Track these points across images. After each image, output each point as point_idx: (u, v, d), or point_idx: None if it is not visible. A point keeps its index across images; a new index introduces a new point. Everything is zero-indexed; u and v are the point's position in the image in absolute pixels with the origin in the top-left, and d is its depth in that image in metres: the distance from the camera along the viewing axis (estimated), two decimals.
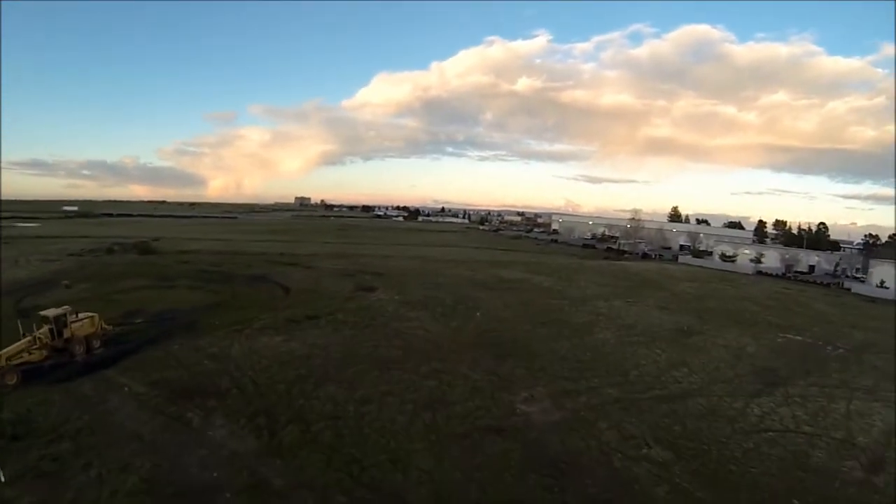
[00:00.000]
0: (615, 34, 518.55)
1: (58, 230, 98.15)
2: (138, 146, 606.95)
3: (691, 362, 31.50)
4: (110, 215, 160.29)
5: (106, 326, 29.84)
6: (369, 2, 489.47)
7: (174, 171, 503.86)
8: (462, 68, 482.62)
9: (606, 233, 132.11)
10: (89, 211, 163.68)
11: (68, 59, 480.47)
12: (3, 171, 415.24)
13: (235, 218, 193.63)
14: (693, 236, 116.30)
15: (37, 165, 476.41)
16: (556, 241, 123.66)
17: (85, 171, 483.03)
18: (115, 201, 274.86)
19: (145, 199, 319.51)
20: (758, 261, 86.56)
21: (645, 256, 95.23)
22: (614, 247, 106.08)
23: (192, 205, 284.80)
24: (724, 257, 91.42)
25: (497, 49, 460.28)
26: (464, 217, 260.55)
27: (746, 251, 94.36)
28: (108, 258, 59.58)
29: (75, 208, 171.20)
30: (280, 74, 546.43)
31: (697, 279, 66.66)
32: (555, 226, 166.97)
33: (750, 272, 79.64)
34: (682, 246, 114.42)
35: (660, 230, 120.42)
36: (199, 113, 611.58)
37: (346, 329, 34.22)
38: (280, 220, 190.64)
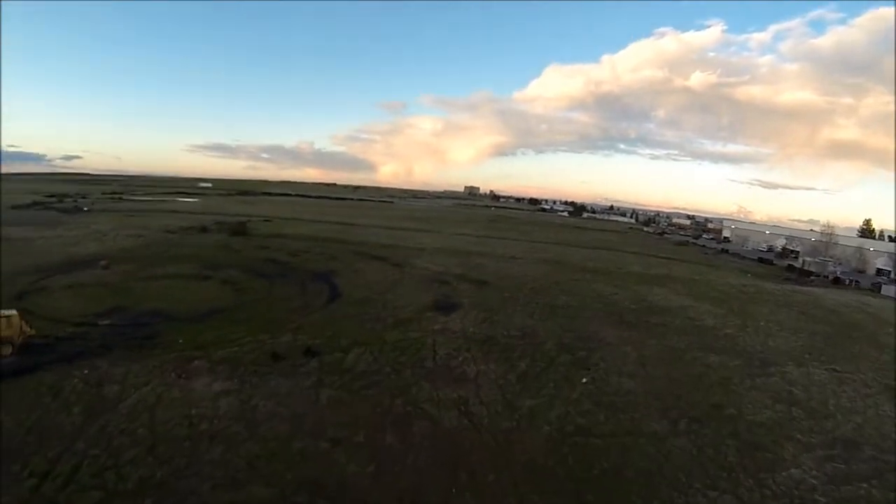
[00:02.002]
0: (795, 21, 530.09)
1: (205, 206, 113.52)
2: (314, 132, 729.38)
3: None
4: (269, 194, 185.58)
5: (27, 329, 25.38)
6: None
7: (346, 155, 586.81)
8: (634, 62, 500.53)
9: (786, 245, 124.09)
10: (251, 189, 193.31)
11: (252, 51, 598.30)
12: (188, 153, 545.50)
13: (392, 203, 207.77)
14: None
15: (220, 148, 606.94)
16: (726, 251, 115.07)
17: (264, 155, 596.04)
18: (290, 182, 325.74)
19: (317, 182, 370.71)
20: None
21: (836, 281, 79.98)
22: (796, 265, 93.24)
23: (357, 188, 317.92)
24: None
25: (669, 41, 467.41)
26: (631, 217, 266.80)
27: None
28: (191, 238, 62.01)
29: (209, 185, 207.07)
30: (450, 65, 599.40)
31: None
32: (726, 233, 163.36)
33: None
34: (879, 270, 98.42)
35: (859, 248, 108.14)
36: (371, 101, 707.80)
37: (333, 386, 23.39)
38: (433, 208, 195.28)
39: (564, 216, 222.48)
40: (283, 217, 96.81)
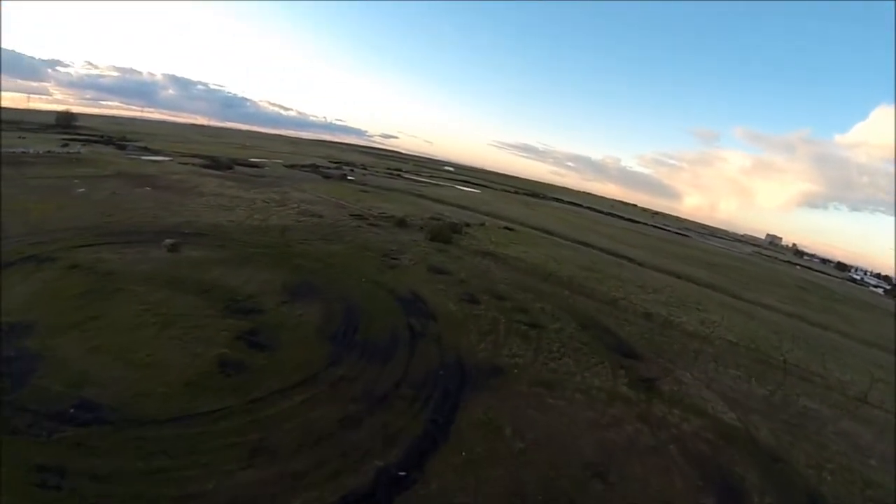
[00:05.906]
0: None
1: (465, 198, 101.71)
2: (621, 149, 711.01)
3: None
4: (560, 200, 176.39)
5: None
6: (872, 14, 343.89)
7: (650, 178, 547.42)
8: None
9: None
10: (539, 192, 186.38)
11: (572, 59, 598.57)
12: (496, 148, 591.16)
13: (686, 237, 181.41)
14: None
15: (528, 150, 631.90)
16: None
17: (569, 163, 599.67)
18: (589, 194, 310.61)
19: (618, 199, 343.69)
20: None
21: None
22: None
23: (655, 214, 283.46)
24: None
25: None
26: None
27: None
28: (364, 233, 44.99)
29: (451, 168, 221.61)
30: (769, 97, 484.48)
31: None
32: None
33: None
34: None
35: None
36: (684, 126, 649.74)
37: None
38: (730, 254, 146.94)
39: (880, 294, 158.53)
40: (540, 228, 74.55)
